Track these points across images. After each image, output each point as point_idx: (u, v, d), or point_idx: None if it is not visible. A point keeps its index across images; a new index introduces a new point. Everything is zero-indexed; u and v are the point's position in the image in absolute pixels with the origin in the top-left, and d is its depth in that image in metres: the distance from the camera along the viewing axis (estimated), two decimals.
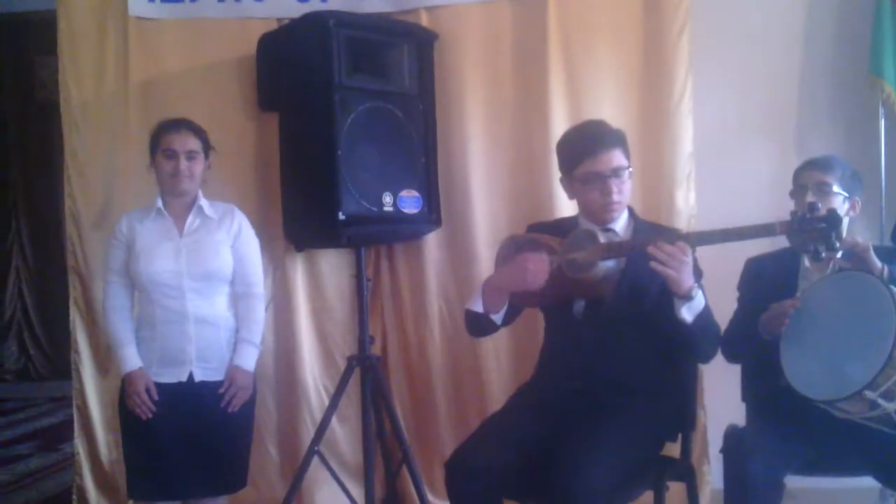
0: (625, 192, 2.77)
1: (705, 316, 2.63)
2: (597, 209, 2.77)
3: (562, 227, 2.86)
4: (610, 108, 3.83)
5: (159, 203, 3.06)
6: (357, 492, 3.80)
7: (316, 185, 3.55)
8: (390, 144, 3.65)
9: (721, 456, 2.76)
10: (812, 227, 2.39)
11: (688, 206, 3.84)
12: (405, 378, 4.12)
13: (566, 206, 3.35)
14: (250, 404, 3.06)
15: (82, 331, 3.93)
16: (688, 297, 2.55)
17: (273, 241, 3.90)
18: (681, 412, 2.90)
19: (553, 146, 3.04)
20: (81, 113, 3.91)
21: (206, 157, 3.09)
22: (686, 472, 2.92)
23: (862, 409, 2.50)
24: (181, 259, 2.98)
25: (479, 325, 2.83)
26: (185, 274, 2.97)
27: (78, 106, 3.91)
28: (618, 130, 2.81)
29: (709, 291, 2.87)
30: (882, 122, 4.03)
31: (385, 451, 3.88)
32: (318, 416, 3.82)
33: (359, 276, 3.75)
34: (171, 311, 2.96)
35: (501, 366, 3.92)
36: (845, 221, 2.88)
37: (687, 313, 2.57)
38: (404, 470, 3.75)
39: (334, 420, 3.92)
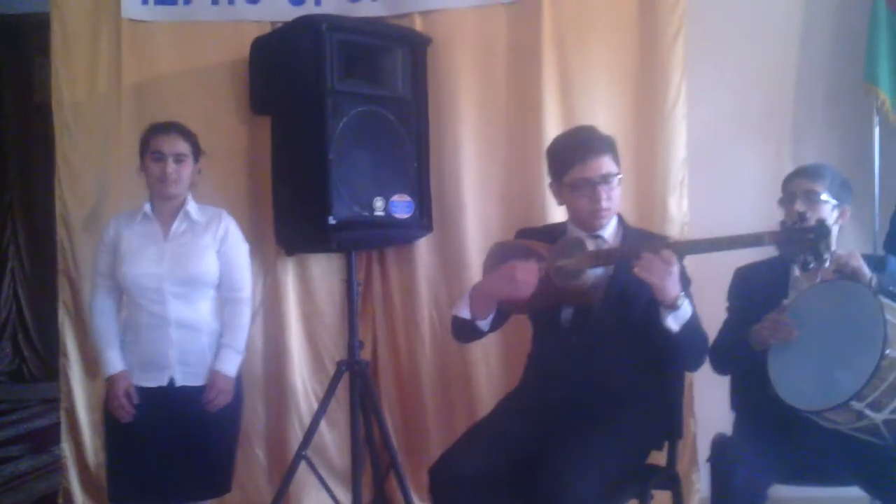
0: (614, 199, 2.75)
1: (692, 325, 2.61)
2: (586, 216, 2.76)
3: (551, 234, 2.84)
4: (604, 112, 3.82)
5: (147, 207, 3.05)
6: (345, 497, 3.79)
7: (307, 189, 3.54)
8: (382, 149, 3.63)
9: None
10: (801, 238, 2.38)
11: (681, 213, 3.83)
12: (395, 383, 4.10)
13: (559, 212, 3.33)
14: (235, 409, 3.05)
15: (71, 334, 3.92)
16: (674, 307, 2.54)
17: (264, 246, 3.89)
18: (667, 420, 2.89)
19: None
20: (73, 115, 3.90)
21: (196, 160, 3.08)
22: (672, 481, 2.90)
23: (849, 419, 2.49)
24: (163, 263, 2.97)
25: (465, 332, 2.82)
26: (166, 278, 2.95)
27: (70, 108, 3.90)
28: (608, 137, 2.80)
29: (699, 300, 2.86)
30: (876, 130, 4.02)
31: (374, 457, 3.86)
32: (307, 420, 3.80)
33: (349, 281, 3.74)
34: (154, 315, 2.95)
35: (491, 372, 3.91)
36: (835, 230, 2.87)
37: (673, 322, 2.56)
38: (393, 475, 3.73)
39: (323, 425, 3.91)
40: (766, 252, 2.70)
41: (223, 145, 3.82)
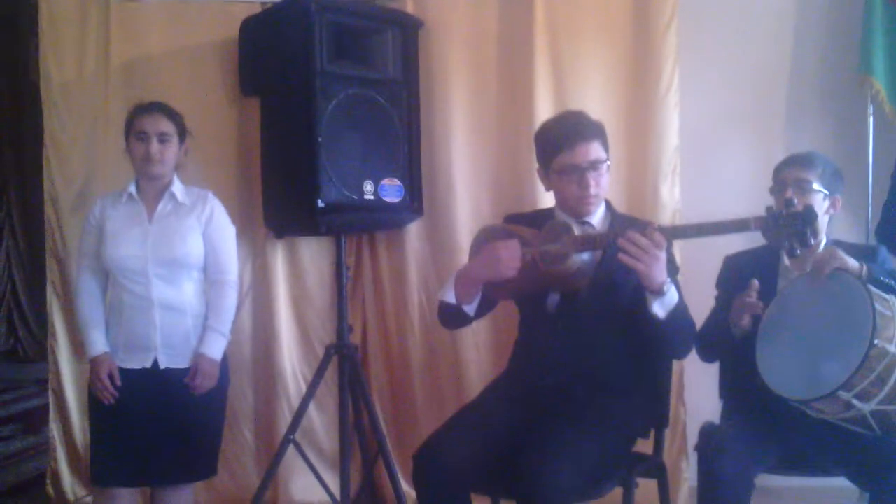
0: (602, 185, 2.73)
1: (679, 312, 2.58)
2: (574, 202, 2.73)
3: (539, 219, 2.81)
4: (595, 98, 3.81)
5: (132, 187, 3.02)
6: (333, 481, 3.78)
7: (295, 171, 3.51)
8: (372, 132, 3.61)
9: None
10: (787, 224, 2.36)
11: (673, 200, 3.82)
12: (384, 368, 4.09)
13: (550, 197, 3.31)
14: (220, 392, 3.02)
15: (60, 314, 3.89)
16: (660, 293, 2.51)
17: (253, 228, 3.88)
18: (654, 408, 2.87)
19: None
20: (62, 95, 3.86)
21: (182, 141, 3.04)
22: (657, 469, 2.88)
23: (837, 409, 2.47)
24: (147, 245, 2.94)
25: (451, 317, 2.79)
26: (150, 260, 2.93)
27: (58, 88, 3.85)
28: (597, 122, 2.77)
29: (688, 288, 2.85)
30: (871, 120, 4.01)
31: (362, 441, 3.86)
32: (296, 404, 3.79)
33: (338, 265, 3.72)
34: (137, 297, 2.92)
35: (481, 357, 3.90)
36: (825, 220, 2.84)
37: (659, 309, 2.53)
38: (381, 460, 3.72)
39: (312, 409, 3.91)
40: (756, 240, 2.68)
41: (212, 126, 3.80)
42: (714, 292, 3.05)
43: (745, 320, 2.66)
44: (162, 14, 3.87)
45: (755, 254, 2.94)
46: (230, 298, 3.05)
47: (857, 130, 4.03)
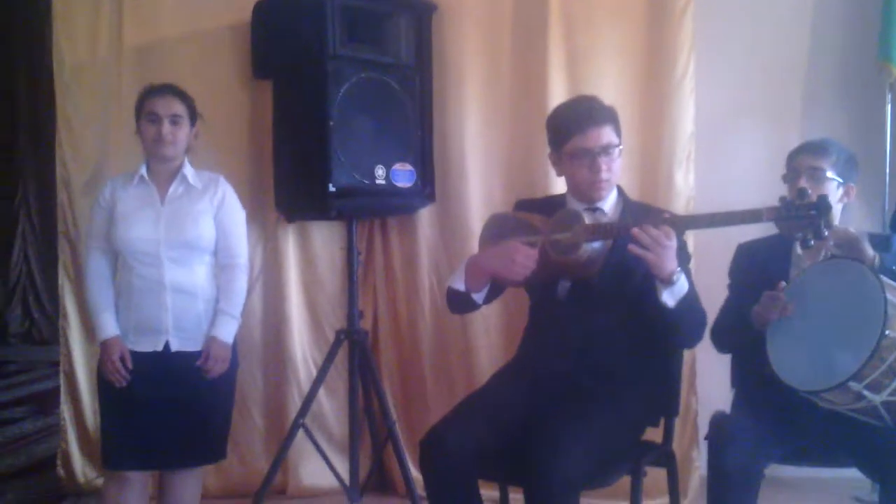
0: (614, 171, 2.70)
1: (689, 301, 2.55)
2: (585, 187, 2.70)
3: (550, 206, 2.79)
4: (610, 84, 3.78)
5: (143, 170, 3.00)
6: (343, 465, 3.79)
7: (307, 155, 3.51)
8: (385, 116, 3.60)
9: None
10: (800, 215, 2.32)
11: (687, 187, 3.80)
12: (395, 353, 4.09)
13: (563, 183, 3.30)
14: (230, 376, 3.01)
15: (71, 296, 3.90)
16: (670, 282, 2.48)
17: (265, 212, 3.87)
18: (663, 397, 2.85)
19: None
20: (75, 77, 3.87)
21: (192, 123, 3.03)
22: (667, 458, 2.86)
23: (848, 400, 2.44)
24: (160, 227, 2.93)
25: (459, 303, 2.77)
26: (162, 242, 2.91)
27: (71, 70, 3.86)
28: (609, 107, 2.74)
29: (701, 277, 2.83)
30: (889, 108, 3.97)
31: (372, 426, 3.86)
32: (306, 388, 3.79)
33: (349, 250, 3.72)
34: (148, 280, 2.91)
35: (491, 343, 3.89)
36: (839, 208, 2.81)
37: (669, 298, 2.51)
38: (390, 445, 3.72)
39: (323, 394, 3.91)
40: (770, 229, 2.65)
41: (224, 110, 3.80)
42: (727, 281, 3.02)
43: (774, 316, 2.62)
44: None
45: (767, 242, 2.91)
46: (241, 282, 3.04)
47: (875, 118, 4.00)
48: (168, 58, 3.82)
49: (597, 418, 2.53)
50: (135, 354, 2.92)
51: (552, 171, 2.94)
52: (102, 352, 2.93)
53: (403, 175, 3.61)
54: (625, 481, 2.69)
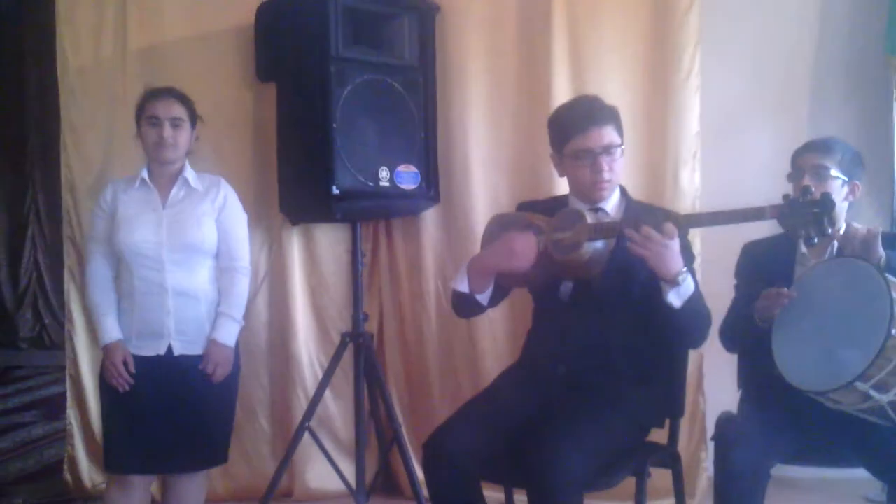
0: (616, 170, 2.68)
1: (695, 301, 2.53)
2: (587, 187, 2.69)
3: (553, 206, 2.77)
4: (615, 83, 3.76)
5: (144, 173, 3.00)
6: (350, 468, 3.79)
7: (310, 158, 3.50)
8: (389, 118, 3.58)
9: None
10: (804, 212, 2.30)
11: (692, 187, 3.77)
12: (401, 356, 4.09)
13: (567, 184, 3.29)
14: (232, 379, 3.00)
15: (77, 300, 3.89)
16: (675, 283, 2.46)
17: (269, 215, 3.87)
18: (668, 398, 2.82)
19: None
20: (79, 80, 3.85)
21: (193, 126, 3.02)
22: (672, 459, 2.84)
23: (854, 400, 2.43)
24: (161, 230, 2.92)
25: (464, 306, 2.76)
26: (164, 245, 2.91)
27: (75, 73, 3.85)
28: (611, 107, 2.72)
29: (708, 277, 2.80)
30: None
31: (379, 429, 3.85)
32: (312, 391, 3.77)
33: (354, 252, 3.71)
34: (151, 283, 2.91)
35: (497, 346, 3.88)
36: (844, 206, 2.79)
37: (675, 298, 2.48)
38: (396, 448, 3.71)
39: (329, 397, 3.91)
40: (776, 228, 2.63)
41: (228, 112, 3.80)
42: (733, 281, 3.00)
43: (776, 310, 2.60)
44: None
45: (773, 242, 2.89)
46: (242, 285, 3.03)
47: (883, 113, 3.96)
48: (172, 61, 3.81)
49: (600, 419, 2.52)
50: (137, 358, 2.91)
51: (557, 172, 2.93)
52: (105, 356, 2.92)
53: (407, 177, 3.59)
54: (630, 483, 2.67)
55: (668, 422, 2.87)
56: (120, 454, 2.91)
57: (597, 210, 2.70)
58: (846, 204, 2.80)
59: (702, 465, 3.75)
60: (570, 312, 2.71)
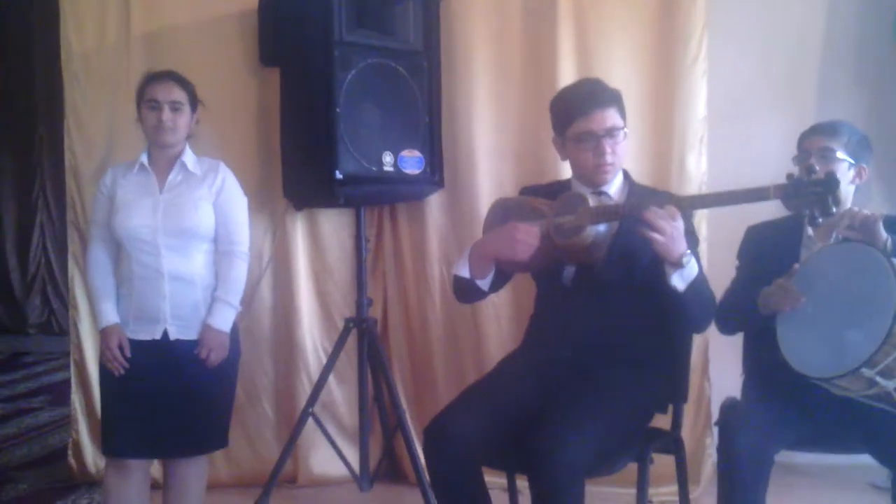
0: (619, 153, 2.65)
1: (699, 284, 2.51)
2: (589, 170, 2.66)
3: (555, 191, 2.75)
4: (621, 67, 3.74)
5: (143, 157, 2.99)
6: (354, 453, 3.78)
7: (314, 142, 3.48)
8: (393, 102, 3.56)
9: None
10: (808, 192, 2.27)
11: (699, 172, 3.76)
12: (405, 341, 4.08)
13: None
14: (230, 364, 2.99)
15: (81, 286, 3.88)
16: (679, 265, 2.44)
17: (273, 200, 3.86)
18: (672, 383, 2.80)
19: None
20: (82, 65, 3.85)
21: (193, 110, 3.01)
22: (675, 445, 2.82)
23: (860, 386, 2.40)
24: (157, 215, 2.91)
25: (465, 291, 2.74)
26: (159, 230, 2.89)
27: (79, 58, 3.84)
28: (614, 89, 2.69)
29: (717, 260, 2.78)
30: None
31: (383, 414, 3.84)
32: (316, 377, 3.76)
33: (357, 237, 3.70)
34: (147, 268, 2.89)
35: (501, 331, 3.87)
36: (851, 189, 2.76)
37: (679, 281, 2.46)
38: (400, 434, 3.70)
39: (333, 382, 3.91)
40: (782, 211, 2.60)
41: (232, 97, 3.80)
42: (735, 263, 2.98)
43: (786, 308, 2.57)
44: None
45: (778, 225, 2.87)
46: (240, 269, 3.01)
47: (892, 101, 3.93)
48: (175, 46, 3.79)
49: (602, 405, 2.49)
50: (134, 342, 2.90)
51: None
52: (101, 339, 2.92)
53: (412, 161, 3.57)
54: (633, 469, 2.65)
55: (671, 407, 2.85)
56: (117, 438, 2.90)
57: (600, 194, 2.67)
58: (853, 187, 2.77)
59: (707, 451, 3.74)
60: (573, 297, 2.69)
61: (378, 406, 3.82)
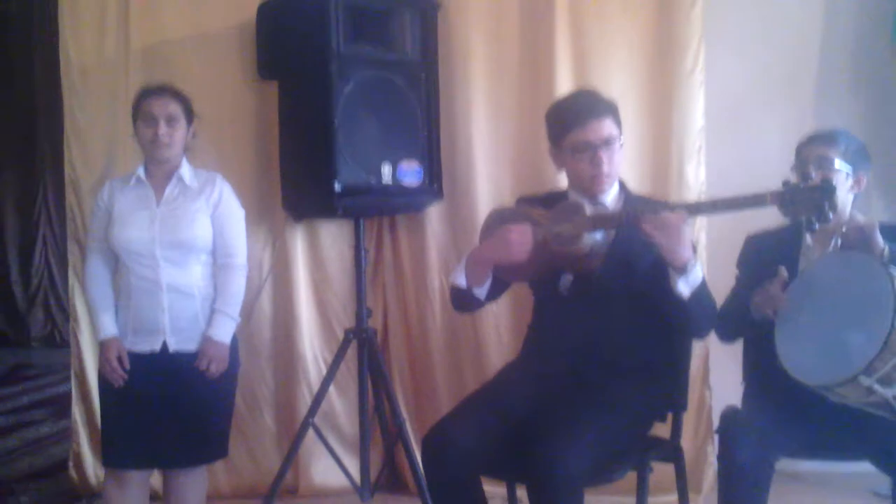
0: (615, 164, 2.66)
1: (702, 290, 2.52)
2: (586, 181, 2.67)
3: (552, 200, 2.76)
4: (618, 76, 3.77)
5: (140, 171, 3.00)
6: (355, 464, 3.78)
7: (313, 154, 3.50)
8: (391, 114, 3.57)
9: None
10: (804, 198, 2.29)
11: (698, 181, 3.77)
12: (405, 352, 4.08)
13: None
14: (230, 376, 3.00)
15: (81, 298, 3.88)
16: (685, 271, 2.45)
17: (272, 212, 3.86)
18: (671, 392, 2.80)
19: None
20: (81, 78, 3.86)
21: (189, 123, 3.02)
22: (674, 453, 2.82)
23: (859, 394, 2.40)
24: (154, 228, 2.92)
25: (462, 300, 2.75)
26: (157, 243, 2.90)
27: (78, 71, 3.86)
28: (609, 100, 2.70)
29: (718, 270, 2.78)
30: None
31: (383, 425, 3.84)
32: (317, 388, 3.76)
33: (357, 248, 3.70)
34: (145, 280, 2.90)
35: (501, 340, 3.87)
36: (849, 198, 2.76)
37: (684, 287, 2.47)
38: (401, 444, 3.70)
39: (333, 393, 3.91)
40: (781, 221, 2.61)
41: (230, 110, 3.81)
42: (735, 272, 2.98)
43: (770, 313, 2.59)
44: None
45: (777, 234, 2.87)
46: (238, 282, 3.02)
47: (890, 106, 3.94)
48: (174, 59, 3.81)
49: (600, 414, 2.49)
50: (133, 355, 2.91)
51: None
52: (101, 352, 2.94)
53: (410, 173, 3.58)
54: (633, 477, 2.65)
55: (671, 416, 2.85)
56: (117, 449, 2.91)
57: (596, 203, 2.68)
58: (851, 196, 2.77)
59: (708, 460, 3.74)
60: (570, 306, 2.69)
61: (378, 416, 3.82)
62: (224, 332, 2.95)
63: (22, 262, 8.90)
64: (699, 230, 3.64)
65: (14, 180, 8.95)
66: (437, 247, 3.95)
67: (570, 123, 2.64)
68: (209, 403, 2.95)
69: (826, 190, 2.27)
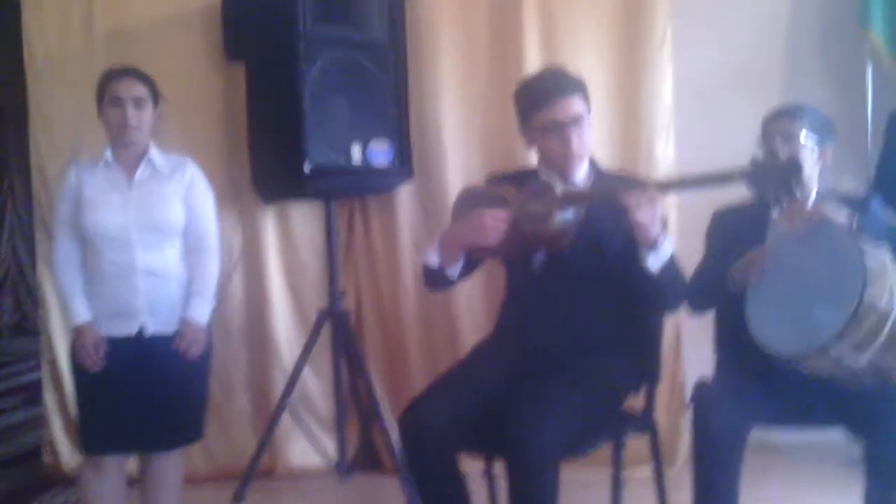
0: (585, 142, 2.66)
1: (672, 265, 2.55)
2: (556, 159, 2.67)
3: (522, 178, 2.76)
4: (587, 54, 3.79)
5: (108, 154, 2.96)
6: (332, 445, 3.79)
7: (281, 136, 3.48)
8: (360, 94, 3.57)
9: None
10: (771, 175, 2.31)
11: (667, 158, 3.78)
12: (379, 332, 4.09)
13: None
14: (205, 358, 2.99)
15: (50, 284, 3.85)
16: (655, 246, 2.47)
17: (241, 195, 3.85)
18: (643, 365, 2.82)
19: None
20: (46, 64, 3.83)
21: (156, 105, 2.98)
22: (648, 425, 2.85)
23: (828, 366, 2.42)
24: (129, 211, 2.89)
25: (434, 280, 2.76)
26: (132, 226, 2.88)
27: (42, 57, 3.83)
28: (577, 78, 2.70)
29: (689, 246, 2.80)
30: (869, 74, 3.95)
31: (360, 405, 3.85)
32: (291, 370, 3.76)
33: (328, 230, 3.70)
34: (119, 265, 2.87)
35: (476, 319, 3.88)
36: (815, 170, 2.78)
37: (654, 262, 2.49)
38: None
39: (309, 374, 3.92)
40: (747, 196, 2.63)
41: (198, 93, 3.80)
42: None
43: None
44: None
45: (743, 209, 2.89)
46: (212, 264, 3.00)
47: (857, 85, 3.97)
48: (140, 42, 3.77)
49: (575, 387, 2.51)
50: (108, 339, 2.88)
51: None
52: (76, 337, 2.90)
53: (380, 153, 3.58)
54: (609, 449, 2.67)
55: (644, 389, 2.87)
56: (95, 435, 2.89)
57: (566, 181, 2.69)
58: (817, 169, 2.80)
59: (682, 432, 3.77)
60: (542, 283, 2.71)
61: (354, 397, 3.83)
62: (201, 313, 2.94)
63: None
64: (670, 206, 3.66)
65: None
66: (408, 227, 3.95)
67: (539, 102, 2.64)
68: (186, 386, 2.93)
69: (792, 167, 2.29)
